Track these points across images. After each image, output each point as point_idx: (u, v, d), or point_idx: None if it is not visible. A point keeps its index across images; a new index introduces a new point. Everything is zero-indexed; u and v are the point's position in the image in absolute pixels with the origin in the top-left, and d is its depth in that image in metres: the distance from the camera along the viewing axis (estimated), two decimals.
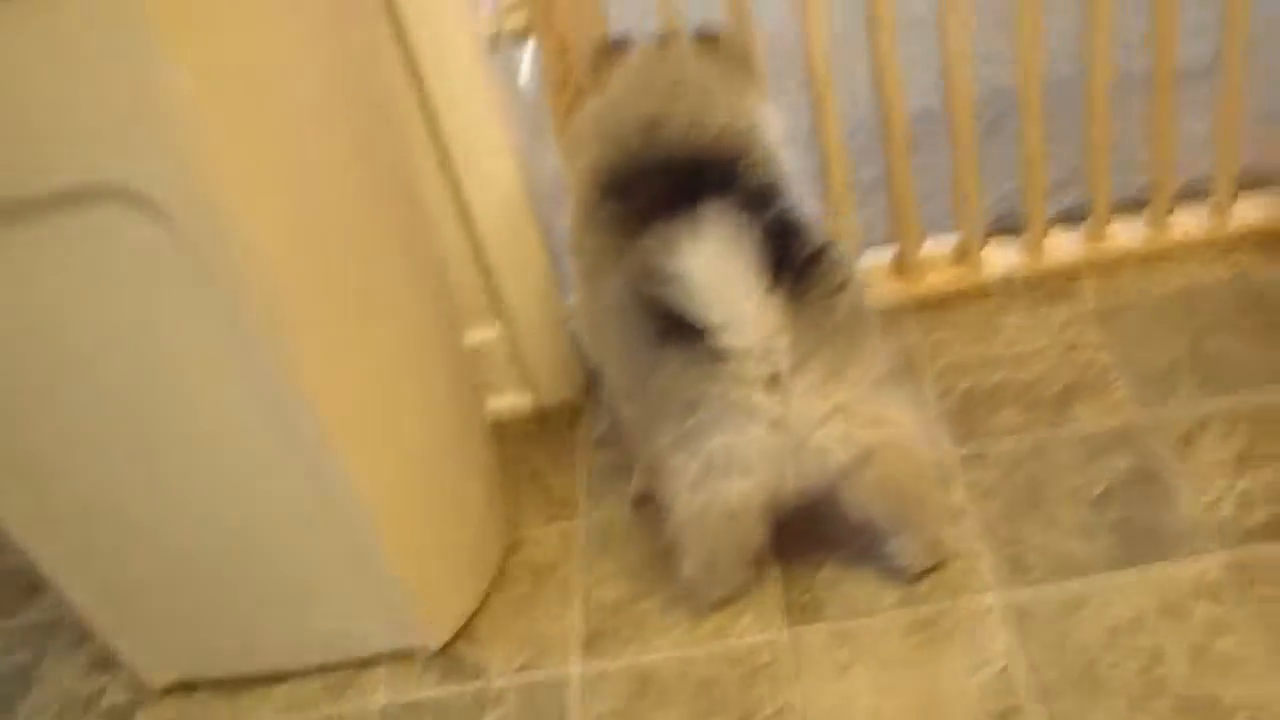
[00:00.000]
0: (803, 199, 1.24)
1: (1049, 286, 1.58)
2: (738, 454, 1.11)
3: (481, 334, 1.53)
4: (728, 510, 1.14)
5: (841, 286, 1.12)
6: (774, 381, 1.08)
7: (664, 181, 1.17)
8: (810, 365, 1.09)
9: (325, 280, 1.08)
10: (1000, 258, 1.60)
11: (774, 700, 1.20)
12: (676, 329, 1.08)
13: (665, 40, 1.34)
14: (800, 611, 1.27)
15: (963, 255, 1.60)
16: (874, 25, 1.43)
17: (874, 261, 1.62)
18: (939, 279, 1.60)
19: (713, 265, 1.04)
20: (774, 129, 1.31)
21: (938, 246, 1.61)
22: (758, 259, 1.04)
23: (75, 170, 0.93)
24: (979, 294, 1.59)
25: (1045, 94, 1.53)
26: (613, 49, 1.33)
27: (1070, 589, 1.22)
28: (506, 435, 1.56)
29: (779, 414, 1.09)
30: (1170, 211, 1.58)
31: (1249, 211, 1.57)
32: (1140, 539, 1.25)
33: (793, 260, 1.07)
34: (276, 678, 1.33)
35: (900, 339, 1.56)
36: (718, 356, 1.07)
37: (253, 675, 1.33)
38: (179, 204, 0.94)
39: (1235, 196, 1.56)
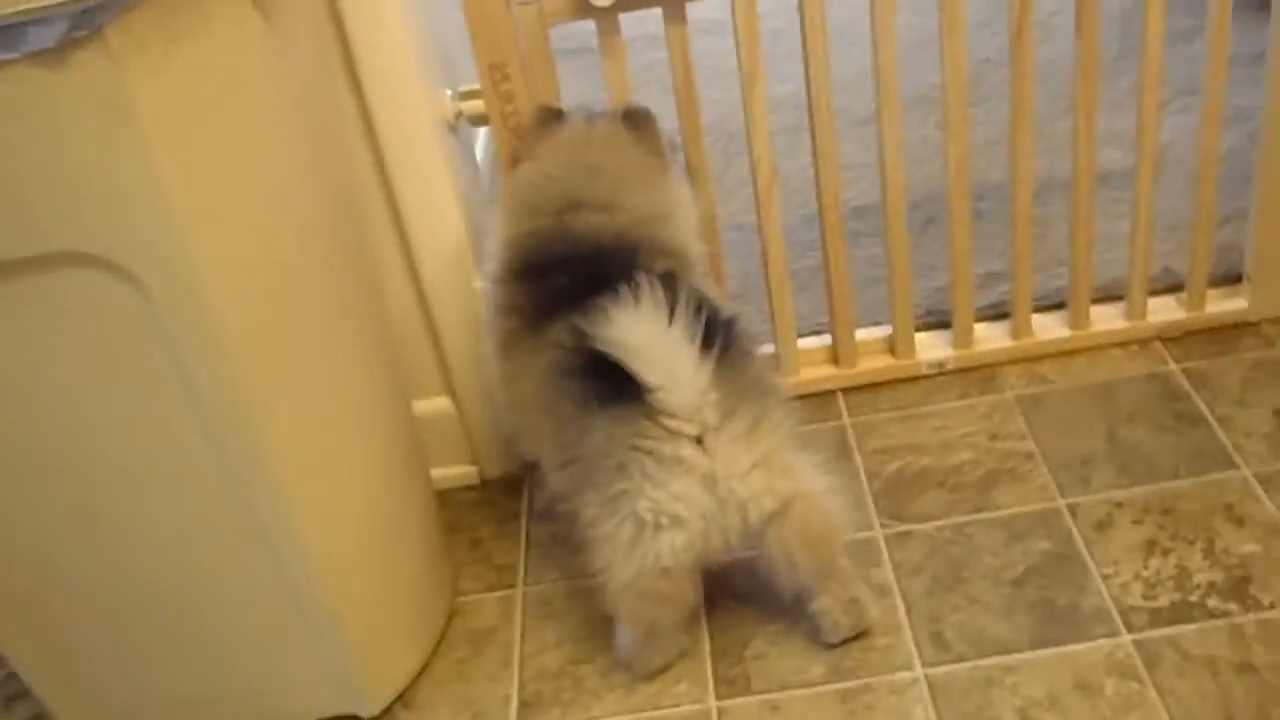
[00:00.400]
0: (705, 280, 1.34)
1: (975, 376, 1.66)
2: (670, 509, 1.17)
3: (431, 405, 1.58)
4: (662, 567, 1.19)
5: (752, 351, 1.22)
6: (702, 437, 1.15)
7: (571, 269, 1.25)
8: (733, 421, 1.16)
9: (289, 350, 1.12)
10: (930, 347, 1.68)
11: None
12: (607, 392, 1.15)
13: (595, 117, 1.40)
14: (729, 684, 1.31)
15: (894, 344, 1.67)
16: (817, 121, 1.51)
17: (810, 346, 1.68)
18: (871, 365, 1.67)
19: (651, 329, 1.13)
20: (688, 211, 1.39)
21: (871, 334, 1.68)
22: (689, 324, 1.12)
23: (54, 239, 0.97)
24: (909, 381, 1.67)
25: (976, 194, 1.61)
26: (549, 119, 1.40)
27: (988, 665, 1.28)
28: (450, 505, 1.60)
29: (708, 468, 1.16)
30: (1090, 308, 1.66)
31: (1163, 311, 1.66)
32: (1056, 619, 1.31)
33: (714, 326, 1.15)
34: None
35: (832, 421, 1.62)
36: (649, 415, 1.14)
37: None
38: (155, 274, 0.99)
39: (1149, 296, 1.66)
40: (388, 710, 1.35)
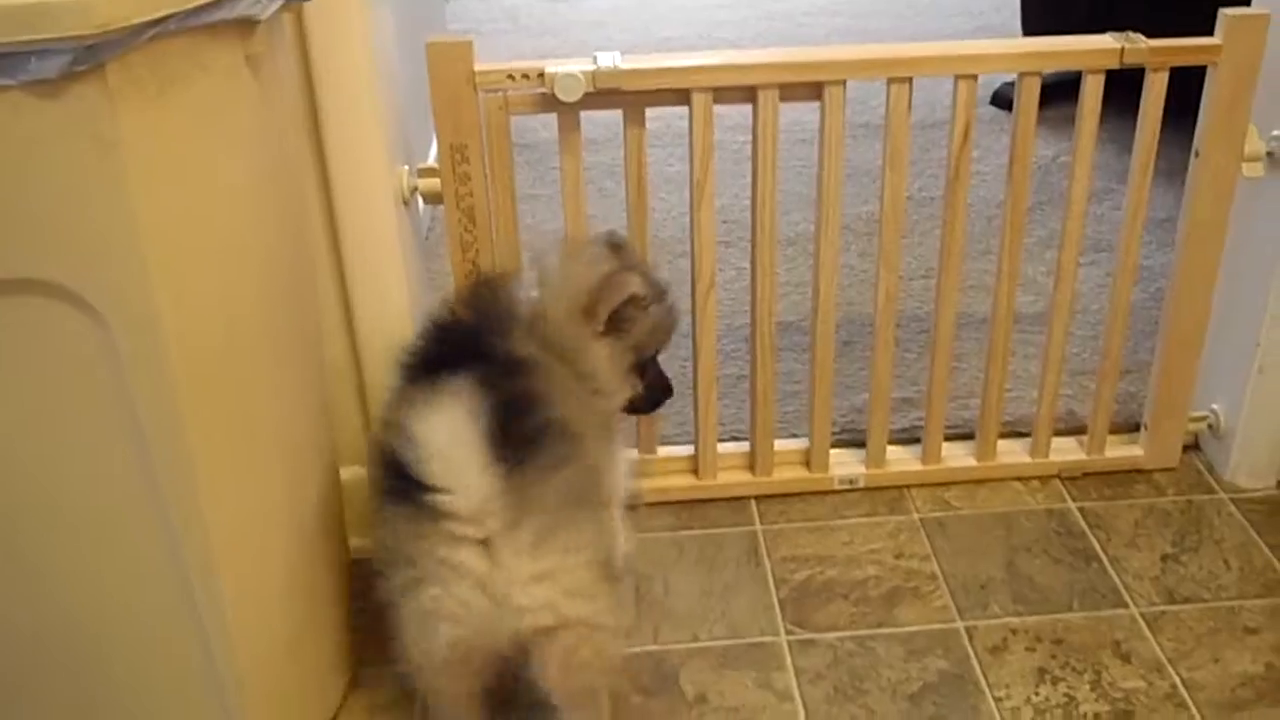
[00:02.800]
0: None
1: (885, 496, 1.71)
2: (446, 607, 1.16)
3: (352, 473, 1.57)
4: (444, 659, 1.19)
5: (563, 463, 1.19)
6: (485, 543, 1.15)
7: (437, 346, 1.27)
8: (520, 531, 1.15)
9: (234, 402, 1.13)
10: (843, 464, 1.73)
11: None
12: (403, 486, 1.15)
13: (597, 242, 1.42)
14: None
15: (810, 457, 1.72)
16: (759, 239, 1.57)
17: (728, 451, 1.73)
18: (786, 476, 1.72)
19: (443, 430, 1.13)
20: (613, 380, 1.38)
21: (788, 446, 1.73)
22: (487, 429, 1.12)
23: (22, 264, 0.97)
24: (821, 495, 1.71)
25: (899, 324, 1.68)
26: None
27: None
28: (360, 574, 1.58)
29: (484, 572, 1.15)
30: (997, 441, 1.73)
31: (1065, 451, 1.74)
32: None
33: (520, 433, 1.15)
34: None
35: (744, 527, 1.66)
36: (433, 516, 1.14)
37: None
38: (116, 309, 0.99)
39: (1052, 436, 1.74)
40: None
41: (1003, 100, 2.82)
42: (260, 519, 1.21)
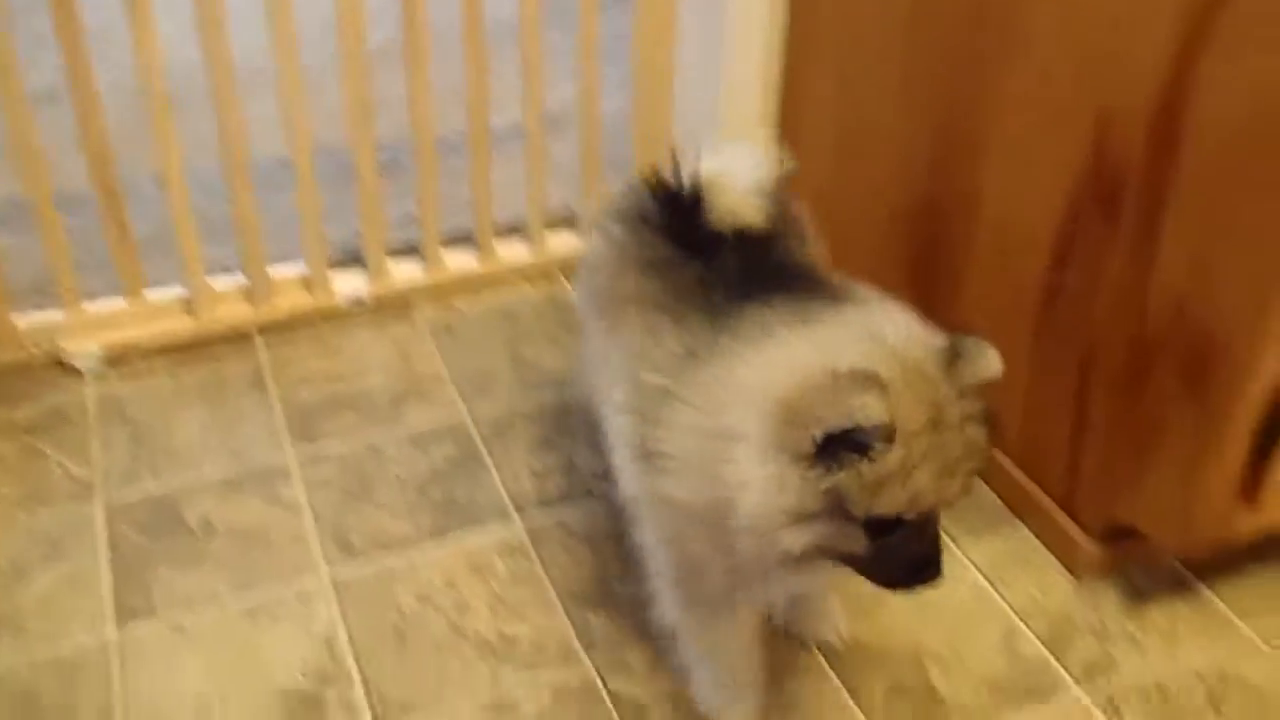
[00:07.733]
0: None
1: (392, 310, 1.71)
2: None
3: None
4: None
5: None
6: None
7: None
8: None
9: None
10: (346, 284, 1.71)
11: (95, 702, 1.19)
12: None
13: None
14: (131, 612, 1.27)
15: (310, 281, 1.68)
16: (215, 72, 1.50)
17: (226, 287, 1.66)
18: (286, 303, 1.68)
19: None
20: None
21: (286, 272, 1.69)
22: None
23: None
24: (329, 319, 1.69)
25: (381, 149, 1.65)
26: None
27: (390, 562, 1.33)
28: None
29: None
30: (493, 243, 1.77)
31: (559, 245, 1.80)
32: (457, 513, 1.39)
33: None
34: None
35: (249, 360, 1.61)
36: None
37: None
38: None
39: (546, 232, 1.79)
40: None
41: None
42: None
